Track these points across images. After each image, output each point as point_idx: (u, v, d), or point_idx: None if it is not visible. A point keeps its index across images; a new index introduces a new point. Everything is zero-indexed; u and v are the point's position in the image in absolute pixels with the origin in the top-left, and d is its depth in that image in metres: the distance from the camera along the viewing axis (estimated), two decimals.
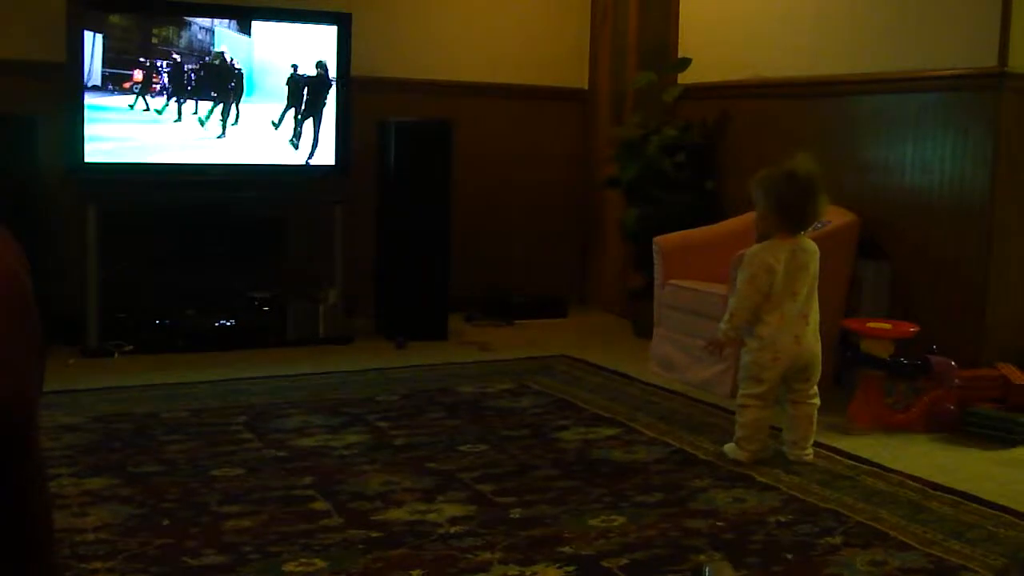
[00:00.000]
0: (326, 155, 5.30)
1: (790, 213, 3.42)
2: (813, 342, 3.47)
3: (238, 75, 5.09)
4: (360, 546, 2.65)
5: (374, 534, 2.74)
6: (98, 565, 2.50)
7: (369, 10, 5.60)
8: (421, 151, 5.33)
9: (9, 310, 1.25)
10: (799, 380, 3.48)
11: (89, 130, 4.81)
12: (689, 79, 5.53)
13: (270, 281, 5.33)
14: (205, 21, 5.01)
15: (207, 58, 5.02)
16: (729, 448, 3.48)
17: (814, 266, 3.45)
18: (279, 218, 5.35)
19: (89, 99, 4.80)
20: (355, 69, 5.33)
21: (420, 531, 2.76)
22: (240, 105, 5.11)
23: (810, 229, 3.54)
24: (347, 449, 3.49)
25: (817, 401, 3.51)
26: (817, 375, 3.51)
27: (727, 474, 3.32)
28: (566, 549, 2.67)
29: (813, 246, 3.48)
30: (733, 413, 3.78)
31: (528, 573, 2.52)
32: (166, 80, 4.94)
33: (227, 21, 5.06)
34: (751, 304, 3.42)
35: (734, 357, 3.91)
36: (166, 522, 2.79)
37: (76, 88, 4.78)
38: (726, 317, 3.50)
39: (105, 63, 4.82)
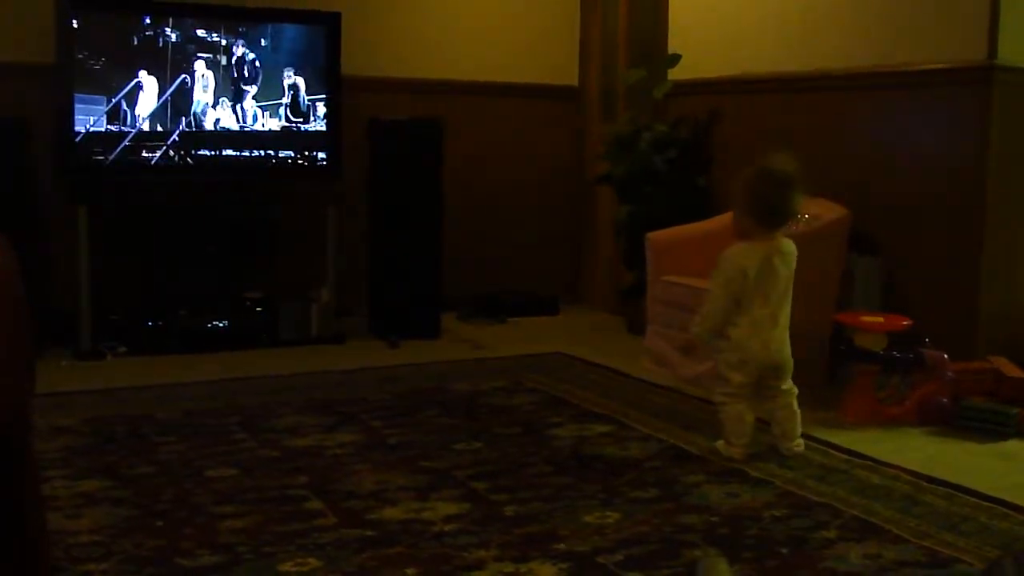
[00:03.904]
0: (317, 154, 5.29)
1: (765, 211, 3.41)
2: (782, 344, 3.46)
3: (227, 74, 5.08)
4: (355, 545, 2.65)
5: (369, 533, 2.74)
6: (92, 567, 2.49)
7: (358, 9, 5.59)
8: (412, 150, 5.33)
9: (1, 312, 1.24)
10: (771, 378, 3.48)
11: (79, 131, 4.80)
12: (679, 75, 5.53)
13: (262, 281, 5.32)
14: (194, 20, 5.00)
15: (196, 57, 5.01)
16: (721, 446, 3.48)
17: (787, 269, 3.44)
18: (271, 218, 5.34)
19: (79, 100, 4.78)
20: (345, 68, 5.32)
21: (415, 529, 2.76)
22: (230, 104, 5.10)
23: (790, 226, 3.54)
24: (341, 448, 3.49)
25: (795, 390, 3.50)
26: (789, 372, 3.50)
27: (721, 469, 3.32)
28: (561, 546, 2.67)
29: (791, 247, 3.47)
30: None
31: (523, 570, 2.52)
32: (155, 80, 4.93)
33: (216, 20, 5.05)
34: (724, 307, 3.43)
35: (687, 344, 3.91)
36: (160, 523, 2.79)
37: (66, 89, 4.77)
38: (697, 320, 3.51)
39: (94, 63, 4.81)
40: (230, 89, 5.10)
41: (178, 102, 5.00)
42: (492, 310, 5.89)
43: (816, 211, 4.21)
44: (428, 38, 5.94)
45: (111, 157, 4.89)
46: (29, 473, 1.35)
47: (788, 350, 3.48)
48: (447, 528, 2.78)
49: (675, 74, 5.56)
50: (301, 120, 5.26)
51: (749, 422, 3.46)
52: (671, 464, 3.38)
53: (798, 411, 3.51)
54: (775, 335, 3.44)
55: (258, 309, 5.17)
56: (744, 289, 3.39)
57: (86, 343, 4.80)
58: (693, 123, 5.51)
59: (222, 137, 5.11)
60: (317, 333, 5.20)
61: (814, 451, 3.51)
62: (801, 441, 3.50)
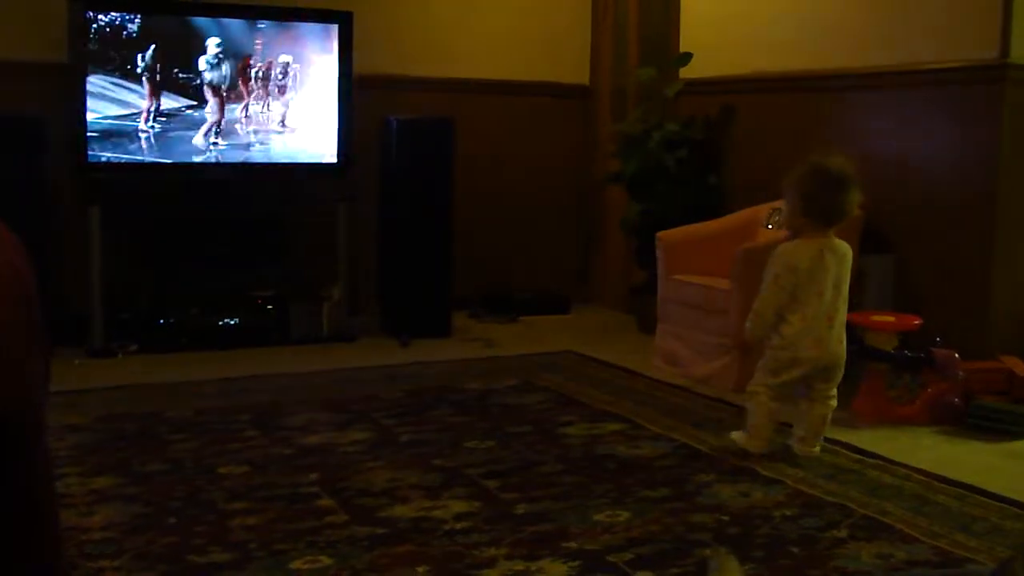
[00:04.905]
0: (328, 153, 5.30)
1: (817, 209, 3.36)
2: (836, 345, 3.42)
3: (240, 73, 5.09)
4: (366, 543, 2.66)
5: (380, 531, 2.74)
6: (105, 563, 2.51)
7: (370, 7, 5.59)
8: (423, 148, 5.33)
9: (12, 310, 1.25)
10: (820, 380, 3.44)
11: (92, 130, 4.81)
12: (690, 74, 5.53)
13: (274, 280, 5.33)
14: (206, 20, 5.02)
15: (208, 57, 5.02)
16: (739, 436, 3.45)
17: (841, 269, 3.39)
18: (282, 217, 5.35)
19: (92, 99, 4.80)
20: (356, 67, 5.33)
21: (426, 527, 2.77)
22: (243, 104, 5.11)
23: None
24: (352, 446, 3.50)
25: (834, 403, 3.47)
26: (839, 377, 3.47)
27: (732, 468, 3.32)
28: (571, 544, 2.67)
29: (845, 247, 3.42)
30: (737, 407, 3.79)
31: (533, 568, 2.52)
32: (168, 79, 4.95)
33: (229, 18, 5.06)
34: (776, 303, 3.38)
35: (740, 353, 3.89)
36: (172, 520, 2.80)
37: (78, 88, 4.78)
38: (749, 317, 3.46)
39: (106, 62, 4.82)
40: (244, 88, 5.11)
41: (191, 102, 5.01)
42: (503, 308, 5.89)
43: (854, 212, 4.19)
44: (439, 37, 5.94)
45: (124, 157, 4.90)
46: (43, 470, 1.35)
47: (842, 350, 3.45)
48: (458, 526, 2.78)
49: (686, 73, 5.56)
50: (313, 119, 5.26)
51: (774, 421, 3.43)
52: (682, 463, 3.38)
53: (828, 422, 3.48)
54: (831, 335, 3.40)
55: (269, 307, 5.18)
56: (797, 286, 3.35)
57: (98, 341, 4.82)
58: (704, 122, 5.51)
59: (234, 135, 5.11)
60: (328, 331, 5.20)
61: (825, 450, 3.50)
62: (819, 448, 3.48)
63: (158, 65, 4.92)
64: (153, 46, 4.91)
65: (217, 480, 3.13)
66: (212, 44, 5.03)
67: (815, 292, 3.36)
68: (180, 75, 4.98)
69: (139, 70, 4.88)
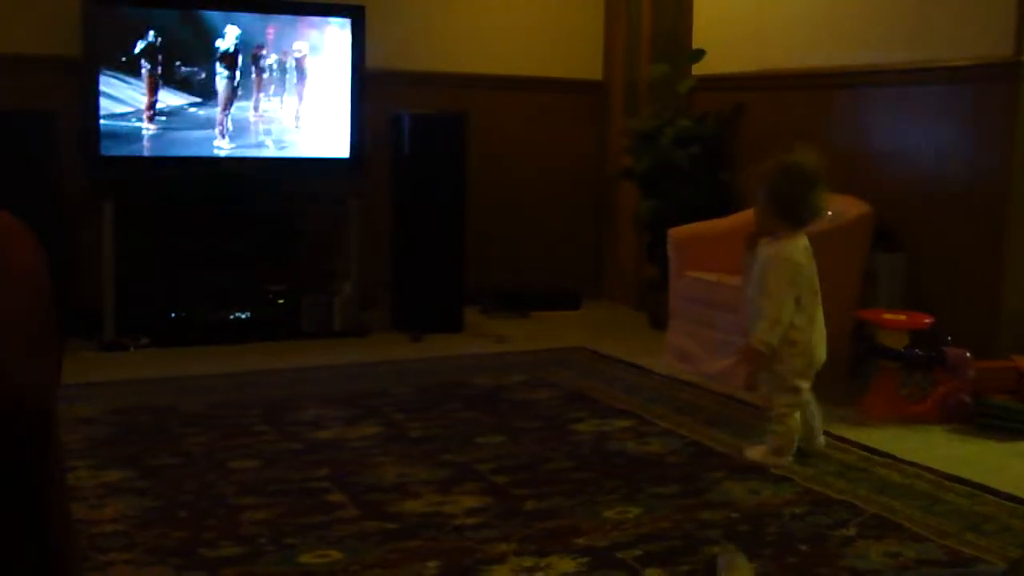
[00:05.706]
0: (340, 148, 5.31)
1: (789, 207, 3.28)
2: (825, 343, 3.40)
3: (252, 68, 5.10)
4: (376, 537, 2.67)
5: (390, 526, 2.75)
6: (115, 556, 2.52)
7: (382, 2, 5.59)
8: (435, 144, 5.34)
9: (26, 304, 1.26)
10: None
11: (105, 124, 4.82)
12: (703, 70, 5.52)
13: (285, 274, 5.34)
14: (218, 13, 5.02)
15: (220, 51, 5.03)
16: (767, 457, 3.34)
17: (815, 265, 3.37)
18: (294, 211, 5.36)
19: (104, 94, 4.81)
20: (369, 62, 5.34)
21: (436, 523, 2.77)
22: (254, 98, 5.12)
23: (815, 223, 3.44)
24: (363, 441, 3.50)
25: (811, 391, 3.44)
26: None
27: (742, 466, 3.32)
28: (581, 541, 2.67)
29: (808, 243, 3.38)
30: (749, 405, 3.79)
31: (543, 564, 2.52)
32: (180, 74, 4.96)
33: (242, 12, 5.07)
34: (790, 308, 3.27)
35: (745, 365, 3.81)
36: (183, 514, 2.81)
37: (91, 83, 4.80)
38: (764, 327, 3.27)
39: (119, 57, 4.83)
40: (255, 83, 5.12)
41: (203, 96, 5.02)
42: (514, 304, 5.89)
43: (839, 208, 4.19)
44: (452, 32, 5.94)
45: (135, 152, 4.91)
46: (54, 463, 1.36)
47: None
48: (468, 521, 2.79)
49: (699, 69, 5.55)
50: (325, 114, 5.27)
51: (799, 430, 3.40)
52: (692, 460, 3.38)
53: (820, 411, 3.47)
54: (824, 334, 3.38)
55: (280, 302, 5.20)
56: (801, 287, 3.29)
57: (110, 335, 4.83)
58: (717, 118, 5.50)
59: (246, 131, 5.13)
60: (339, 326, 5.21)
61: (835, 448, 3.50)
62: (823, 438, 3.48)
63: (170, 60, 4.93)
64: (165, 40, 4.91)
65: (228, 474, 3.14)
66: (224, 39, 5.04)
67: (812, 292, 3.32)
68: (192, 70, 4.99)
69: (151, 65, 4.89)
